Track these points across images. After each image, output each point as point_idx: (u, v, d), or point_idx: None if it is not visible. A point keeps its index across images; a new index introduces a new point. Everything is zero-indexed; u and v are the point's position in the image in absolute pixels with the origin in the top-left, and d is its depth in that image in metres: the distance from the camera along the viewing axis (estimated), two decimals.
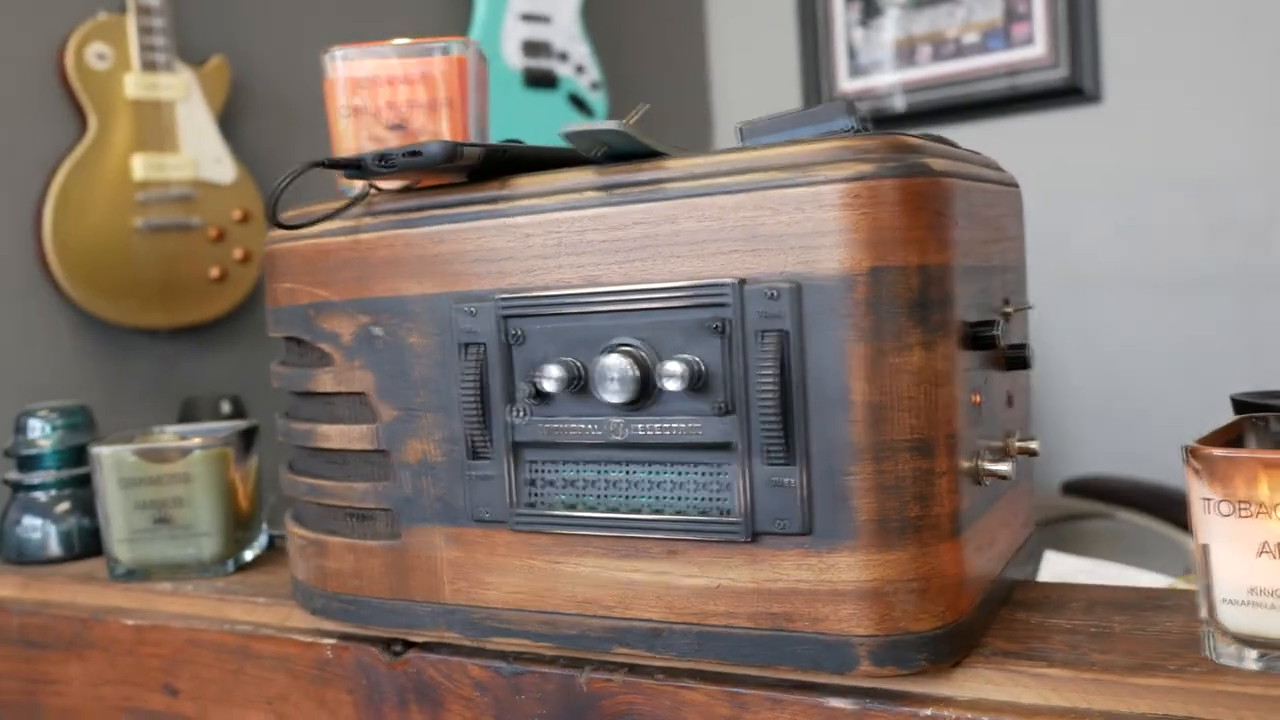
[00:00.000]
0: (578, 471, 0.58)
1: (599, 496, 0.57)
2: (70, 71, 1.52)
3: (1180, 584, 0.86)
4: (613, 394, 0.54)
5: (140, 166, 1.55)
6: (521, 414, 0.58)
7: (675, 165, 0.54)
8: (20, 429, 0.89)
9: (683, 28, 2.49)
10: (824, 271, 0.50)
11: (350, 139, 0.69)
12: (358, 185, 0.65)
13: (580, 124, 0.54)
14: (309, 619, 0.70)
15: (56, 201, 1.50)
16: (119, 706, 0.78)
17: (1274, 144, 1.87)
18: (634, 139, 0.54)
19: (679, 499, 0.55)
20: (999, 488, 0.59)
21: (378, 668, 0.66)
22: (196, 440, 0.81)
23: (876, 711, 0.52)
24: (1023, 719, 0.50)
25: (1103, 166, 2.03)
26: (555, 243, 0.56)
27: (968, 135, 1.85)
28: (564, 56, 2.04)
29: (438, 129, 0.68)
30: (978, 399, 0.55)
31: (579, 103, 2.06)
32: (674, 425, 0.54)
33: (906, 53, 2.22)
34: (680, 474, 0.55)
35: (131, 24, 1.55)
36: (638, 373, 0.54)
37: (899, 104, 2.23)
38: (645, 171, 0.55)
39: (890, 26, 2.24)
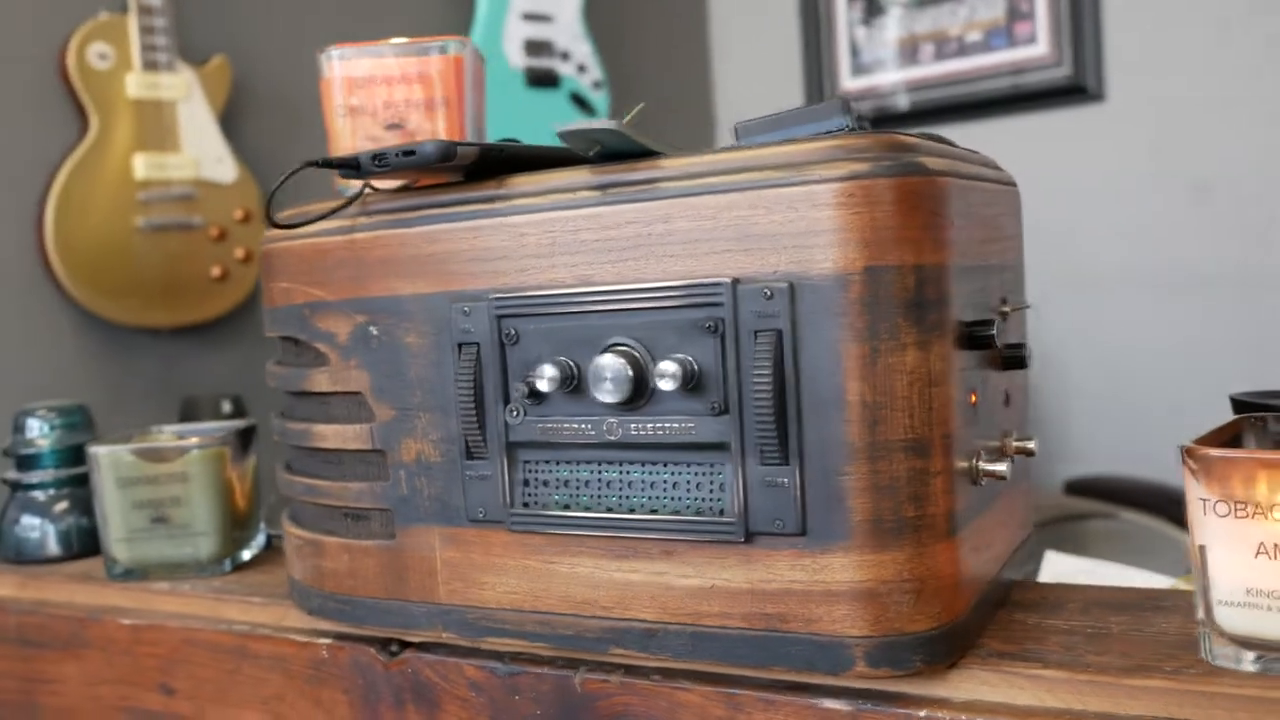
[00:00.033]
0: (573, 471, 0.58)
1: (594, 497, 0.57)
2: (72, 71, 1.52)
3: (1181, 584, 0.85)
4: (607, 394, 0.54)
5: (142, 166, 1.55)
6: (517, 414, 0.58)
7: (669, 164, 0.54)
8: (19, 428, 0.89)
9: (685, 27, 2.49)
10: (818, 271, 0.50)
11: (347, 138, 0.69)
12: (354, 185, 0.65)
13: (575, 123, 0.54)
14: (305, 619, 0.70)
15: (58, 201, 1.51)
16: (116, 706, 0.78)
17: (1275, 144, 1.86)
18: (628, 138, 0.54)
19: (674, 499, 0.55)
20: (996, 488, 0.59)
21: (374, 668, 0.66)
22: (194, 440, 0.81)
23: (871, 713, 0.52)
24: None
25: (1105, 165, 2.03)
26: (549, 242, 0.56)
27: (970, 134, 1.84)
28: (566, 56, 2.04)
29: (434, 128, 0.68)
30: (974, 399, 0.55)
31: (581, 102, 2.05)
32: (669, 425, 0.54)
33: (909, 51, 2.22)
34: (675, 474, 0.55)
35: (133, 24, 1.55)
36: (632, 372, 0.54)
37: (902, 103, 2.23)
38: (639, 171, 0.54)
39: (893, 25, 2.23)
